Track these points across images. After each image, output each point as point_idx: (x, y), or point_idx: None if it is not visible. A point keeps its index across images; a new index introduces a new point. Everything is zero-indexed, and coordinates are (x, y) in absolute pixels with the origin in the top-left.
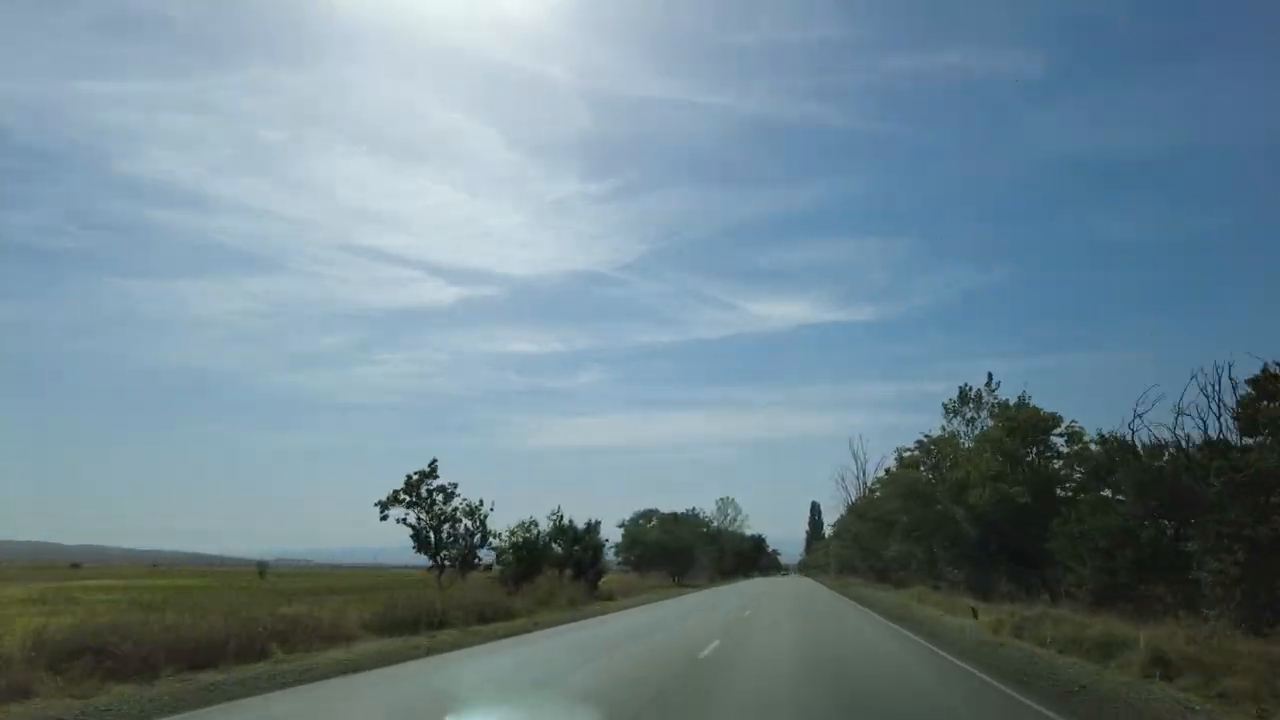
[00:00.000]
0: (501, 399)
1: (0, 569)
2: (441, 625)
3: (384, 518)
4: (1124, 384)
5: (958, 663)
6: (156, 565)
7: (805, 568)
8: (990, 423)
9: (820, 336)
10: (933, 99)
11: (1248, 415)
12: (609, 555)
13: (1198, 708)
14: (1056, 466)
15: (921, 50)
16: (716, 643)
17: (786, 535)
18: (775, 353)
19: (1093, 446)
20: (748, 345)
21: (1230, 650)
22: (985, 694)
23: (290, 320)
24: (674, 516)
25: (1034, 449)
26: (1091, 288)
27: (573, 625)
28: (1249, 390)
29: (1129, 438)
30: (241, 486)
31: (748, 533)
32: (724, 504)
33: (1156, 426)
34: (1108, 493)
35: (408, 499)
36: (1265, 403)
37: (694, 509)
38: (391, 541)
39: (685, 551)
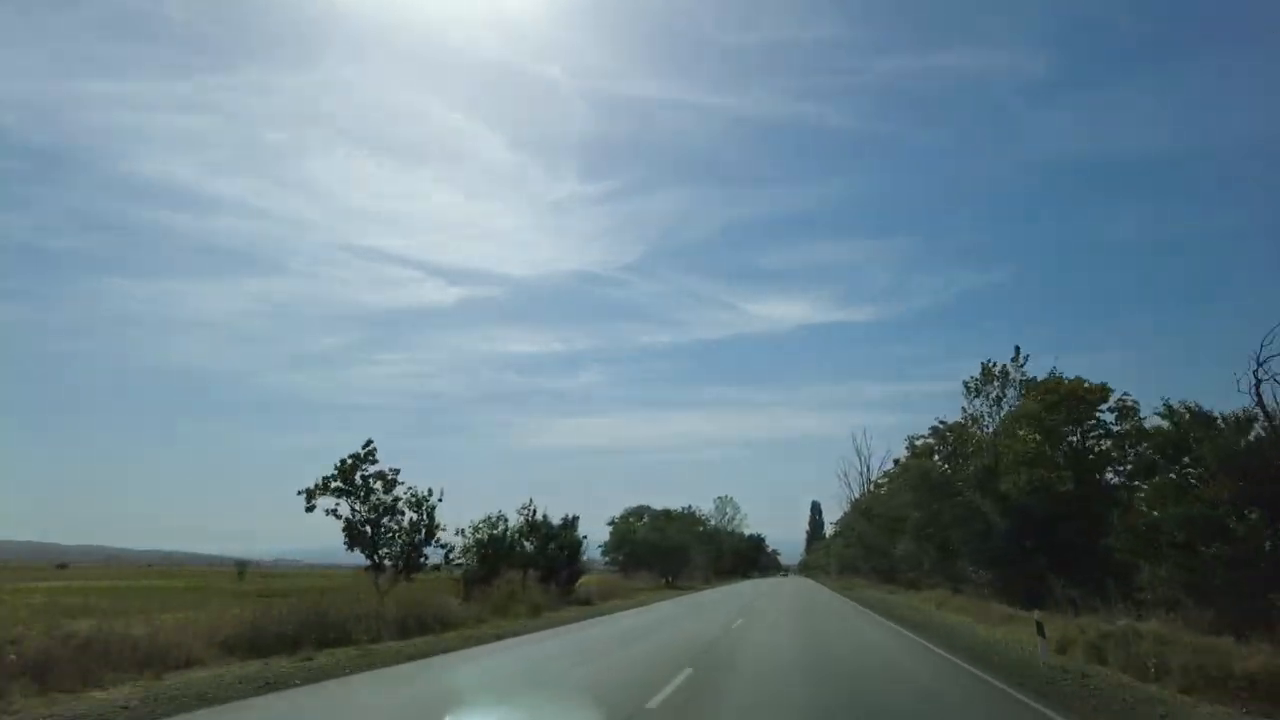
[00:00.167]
0: (501, 399)
1: None
2: (338, 642)
3: (310, 508)
4: (1124, 384)
5: (1055, 717)
6: (152, 565)
7: (805, 568)
8: (1019, 402)
9: (820, 336)
10: (933, 99)
11: None
12: (596, 554)
13: None
14: (1105, 447)
15: (921, 50)
16: (686, 674)
17: (786, 535)
18: (775, 353)
19: (1161, 422)
20: (748, 345)
21: None
22: None
23: (290, 320)
24: (666, 513)
25: (1078, 428)
26: (1091, 288)
27: (512, 642)
28: None
29: (1251, 398)
30: (241, 487)
31: (747, 532)
32: (722, 502)
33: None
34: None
35: (340, 487)
36: None
37: (690, 506)
38: None
39: (678, 551)
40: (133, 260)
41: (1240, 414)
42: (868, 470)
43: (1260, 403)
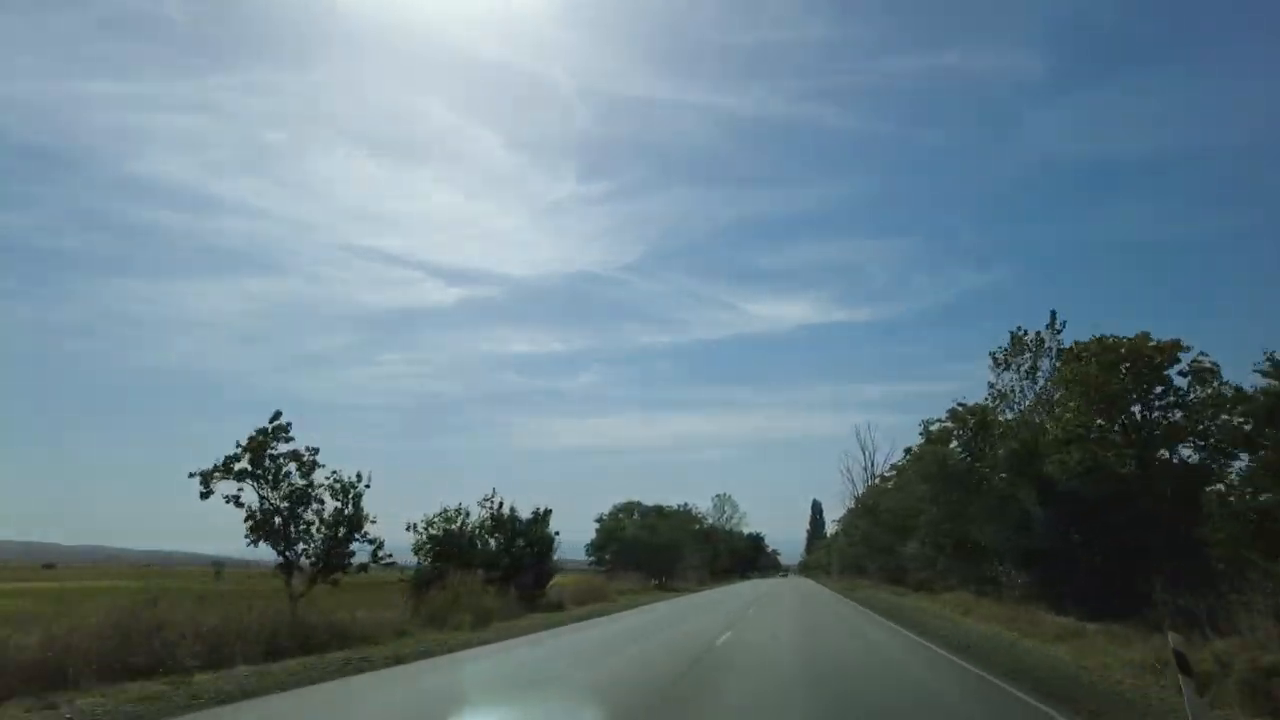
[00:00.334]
0: (501, 399)
1: None
2: (159, 670)
3: (206, 494)
4: None
5: None
6: (149, 566)
7: (805, 568)
8: (1055, 372)
9: (820, 336)
10: (933, 99)
11: None
12: (580, 554)
13: None
14: (1176, 418)
15: (921, 50)
16: None
17: (786, 535)
18: (775, 353)
19: (1265, 382)
20: (748, 345)
21: None
22: None
23: (290, 320)
24: (658, 510)
25: (1144, 394)
26: (1091, 288)
27: (425, 664)
28: None
29: None
30: None
31: (746, 531)
32: (721, 501)
33: None
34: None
35: (245, 469)
36: None
37: (686, 504)
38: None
39: (670, 550)
40: (133, 260)
41: None
42: (872, 465)
43: None
